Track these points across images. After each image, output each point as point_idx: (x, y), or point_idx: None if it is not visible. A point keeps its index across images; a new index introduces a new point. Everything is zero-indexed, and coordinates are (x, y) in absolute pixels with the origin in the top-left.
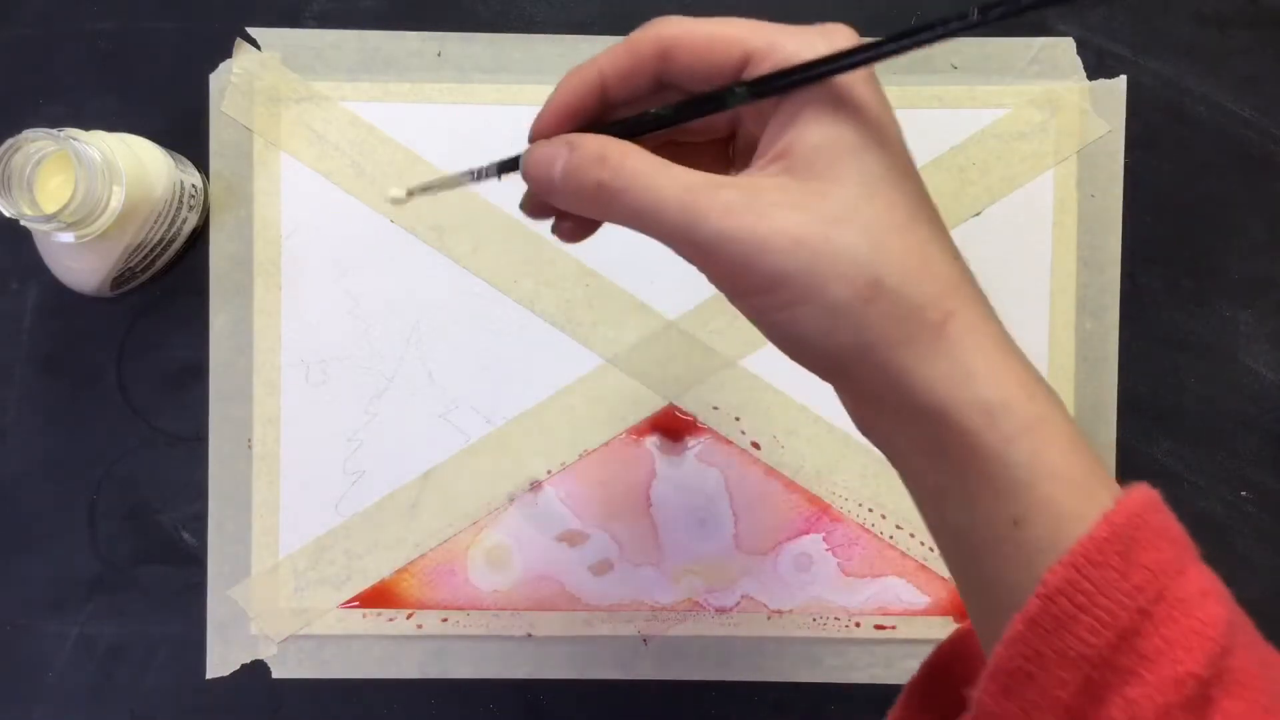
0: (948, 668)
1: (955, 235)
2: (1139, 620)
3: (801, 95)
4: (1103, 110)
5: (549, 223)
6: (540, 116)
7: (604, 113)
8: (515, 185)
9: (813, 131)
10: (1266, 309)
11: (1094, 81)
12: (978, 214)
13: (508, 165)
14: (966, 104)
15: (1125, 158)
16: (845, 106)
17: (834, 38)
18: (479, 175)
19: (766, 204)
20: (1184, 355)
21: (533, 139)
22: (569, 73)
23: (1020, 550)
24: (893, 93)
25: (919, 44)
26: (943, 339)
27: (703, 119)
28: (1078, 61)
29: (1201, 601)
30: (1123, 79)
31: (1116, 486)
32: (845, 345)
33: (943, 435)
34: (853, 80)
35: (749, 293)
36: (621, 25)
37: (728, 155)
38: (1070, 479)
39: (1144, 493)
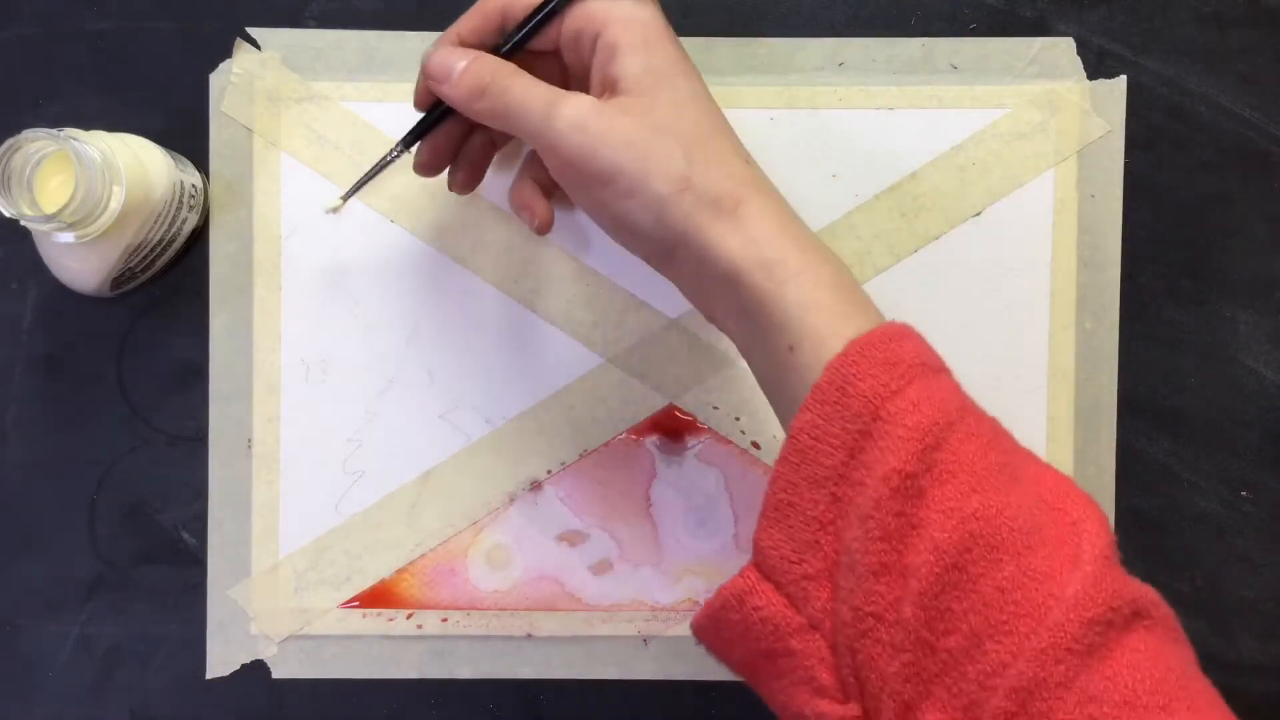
0: None
1: (955, 235)
2: (860, 439)
3: (614, 38)
4: (1103, 110)
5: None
6: (439, 42)
7: None
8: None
9: (631, 62)
10: (1266, 309)
11: (1094, 81)
12: (978, 214)
13: (409, 139)
14: (966, 104)
15: (1125, 158)
16: (652, 46)
17: None
18: (392, 156)
19: (607, 109)
20: (1184, 355)
21: (426, 68)
22: (438, 39)
23: (794, 374)
24: (893, 93)
25: None
26: (736, 218)
27: (540, 64)
28: (1078, 61)
29: (911, 411)
30: (1123, 79)
31: (876, 317)
32: (667, 230)
33: (741, 293)
34: (653, 25)
35: (591, 184)
36: None
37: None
38: (832, 310)
39: (878, 330)
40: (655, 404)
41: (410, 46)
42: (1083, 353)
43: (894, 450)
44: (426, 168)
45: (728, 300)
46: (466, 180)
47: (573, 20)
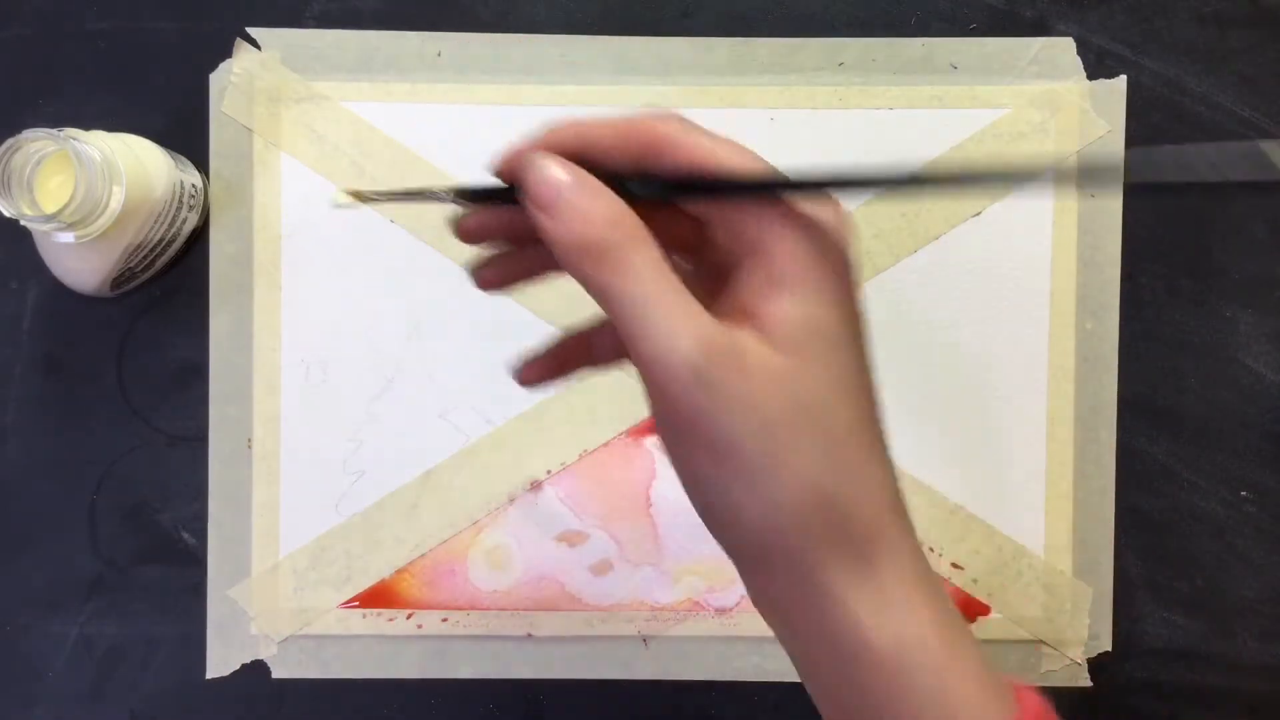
0: None
1: (955, 235)
2: None
3: (783, 265)
4: (1103, 110)
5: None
6: (511, 152)
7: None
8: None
9: (794, 310)
10: (1266, 309)
11: (1094, 81)
12: (978, 214)
13: (466, 196)
14: (966, 104)
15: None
16: (826, 294)
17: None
18: (438, 197)
19: (750, 365)
20: (1184, 355)
21: (495, 172)
22: (551, 124)
23: None
24: (892, 93)
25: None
26: (866, 563)
27: (668, 230)
28: (1078, 61)
29: None
30: (1123, 79)
31: (1010, 695)
32: (772, 543)
33: (850, 649)
34: (834, 269)
35: (696, 448)
36: (621, 25)
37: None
38: (980, 709)
39: (1034, 710)
40: None
41: (410, 46)
42: (1083, 353)
43: None
44: (468, 235)
45: (822, 643)
46: (491, 281)
47: (734, 220)
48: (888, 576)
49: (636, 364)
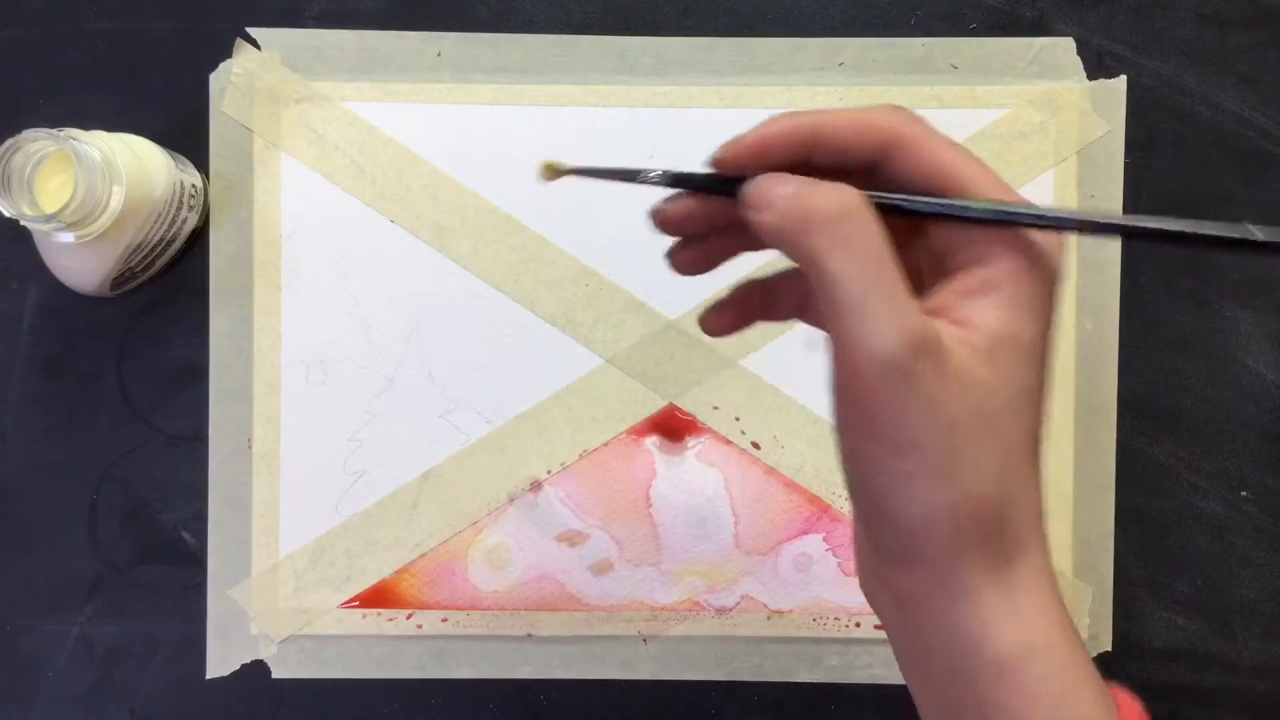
0: None
1: None
2: None
3: (994, 278)
4: (1103, 110)
5: (549, 223)
6: (737, 142)
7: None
8: (513, 188)
9: (998, 317)
10: (1266, 309)
11: (1094, 81)
12: None
13: (678, 181)
14: (966, 104)
15: (1125, 158)
16: (1031, 309)
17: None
18: (650, 178)
19: (946, 366)
20: (1184, 355)
21: (717, 161)
22: (779, 115)
23: None
24: (892, 93)
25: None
26: (1003, 574)
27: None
28: (1078, 61)
29: None
30: (1123, 79)
31: (1109, 698)
32: (933, 538)
33: (975, 648)
34: (1043, 290)
35: (876, 439)
36: (621, 25)
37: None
38: (1081, 714)
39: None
40: (655, 404)
41: (410, 46)
42: (1083, 353)
43: None
44: (668, 224)
45: (948, 654)
46: (691, 263)
47: (954, 229)
48: (1024, 584)
49: (834, 339)
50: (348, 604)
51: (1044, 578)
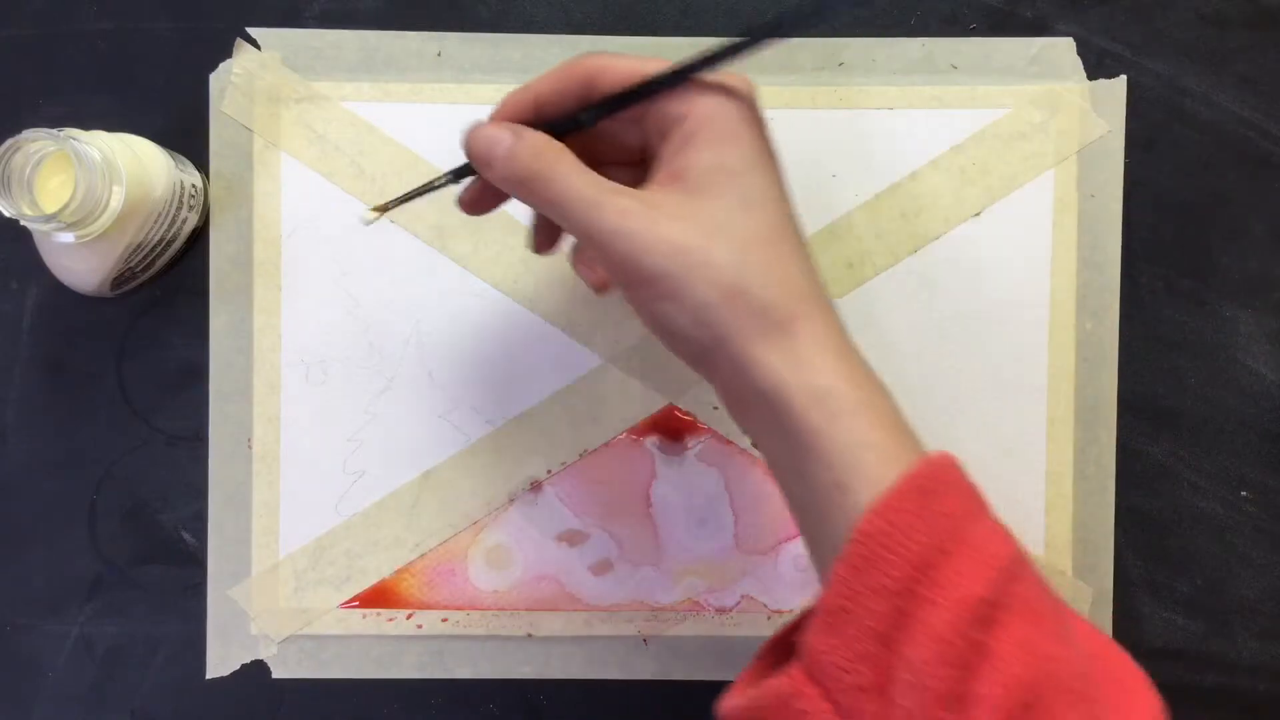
0: (794, 631)
1: (955, 235)
2: (936, 556)
3: (693, 127)
4: (1103, 110)
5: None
6: (483, 129)
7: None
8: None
9: (703, 156)
10: (1266, 309)
11: (1094, 81)
12: (978, 214)
13: (461, 171)
14: (966, 104)
15: (1125, 158)
16: (729, 138)
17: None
18: (439, 183)
19: (658, 213)
20: (1184, 355)
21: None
22: (509, 93)
23: (842, 510)
24: (892, 93)
25: (722, 59)
26: (786, 335)
27: (618, 146)
28: (1078, 61)
29: (990, 539)
30: (1123, 79)
31: (924, 454)
32: (706, 337)
33: (781, 415)
34: (737, 118)
35: (633, 285)
36: (621, 25)
37: (643, 178)
38: (883, 449)
39: (942, 456)
40: (655, 404)
41: (410, 46)
42: (1083, 353)
43: (974, 575)
44: (470, 205)
45: (766, 419)
46: (542, 243)
47: (658, 106)
48: (803, 344)
49: (584, 244)
50: (348, 604)
51: (823, 339)
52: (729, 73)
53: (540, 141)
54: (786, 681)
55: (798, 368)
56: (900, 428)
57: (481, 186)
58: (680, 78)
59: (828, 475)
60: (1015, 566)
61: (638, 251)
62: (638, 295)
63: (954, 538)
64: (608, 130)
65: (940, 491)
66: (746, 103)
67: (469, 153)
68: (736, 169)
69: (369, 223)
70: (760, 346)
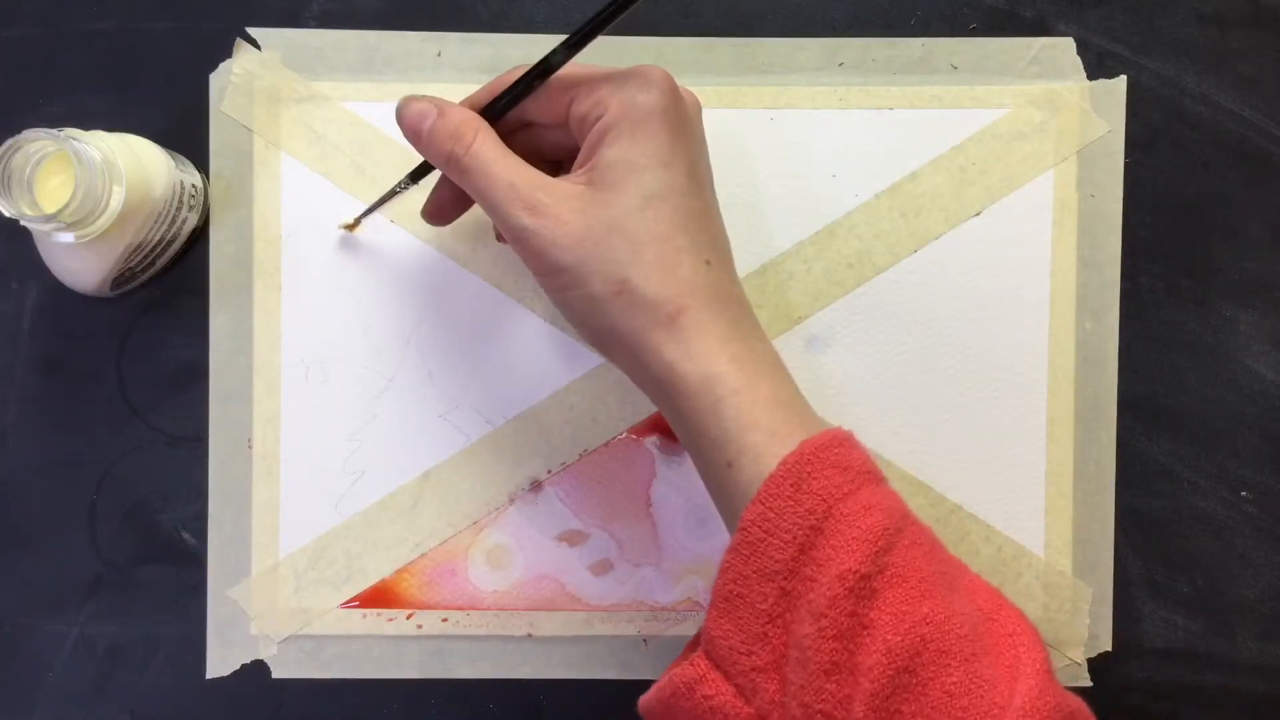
0: None
1: (955, 235)
2: (812, 535)
3: (609, 121)
4: (1103, 110)
5: None
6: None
7: None
8: None
9: (610, 151)
10: (1266, 309)
11: (1094, 81)
12: (978, 214)
13: (418, 172)
14: (966, 104)
15: (1125, 158)
16: (637, 136)
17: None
18: (401, 186)
19: (564, 208)
20: (1184, 355)
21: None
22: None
23: (734, 488)
24: (892, 93)
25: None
26: (674, 328)
27: (553, 141)
28: (1078, 61)
29: (864, 514)
30: (1123, 79)
31: (817, 428)
32: (601, 327)
33: (674, 399)
34: (646, 112)
35: (540, 273)
36: (621, 25)
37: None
38: (770, 429)
39: (827, 434)
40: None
41: (410, 46)
42: (1083, 353)
43: (848, 550)
44: (433, 216)
45: (663, 405)
46: (433, 214)
47: (581, 99)
48: (692, 336)
49: (500, 227)
50: (348, 604)
51: (710, 332)
52: (646, 66)
53: (458, 120)
54: (690, 669)
55: (687, 356)
56: (790, 406)
57: (441, 196)
58: (545, 66)
59: (720, 456)
60: (889, 536)
61: (545, 245)
62: (544, 282)
63: (829, 515)
64: (543, 138)
65: (814, 472)
66: (659, 95)
67: (400, 123)
68: (640, 164)
69: (349, 229)
70: (649, 338)
